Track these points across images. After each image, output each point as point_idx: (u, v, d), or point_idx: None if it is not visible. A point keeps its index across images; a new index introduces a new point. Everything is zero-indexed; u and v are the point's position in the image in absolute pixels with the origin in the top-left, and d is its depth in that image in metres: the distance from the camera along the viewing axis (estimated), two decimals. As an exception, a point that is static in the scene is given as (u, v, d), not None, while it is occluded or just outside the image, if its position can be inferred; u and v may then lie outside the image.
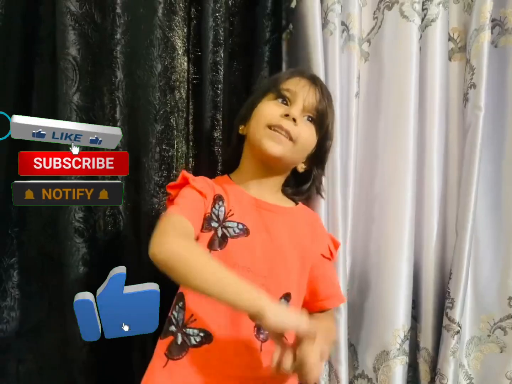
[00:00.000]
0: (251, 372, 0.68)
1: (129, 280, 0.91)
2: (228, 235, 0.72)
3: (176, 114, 0.93)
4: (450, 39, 1.03)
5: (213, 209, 0.74)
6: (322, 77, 0.90)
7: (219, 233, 0.72)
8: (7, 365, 0.92)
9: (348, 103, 0.99)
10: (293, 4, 0.96)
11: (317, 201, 0.90)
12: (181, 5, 0.93)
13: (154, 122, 0.90)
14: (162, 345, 0.70)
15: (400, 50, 0.98)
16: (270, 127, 0.74)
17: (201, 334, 0.68)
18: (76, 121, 0.86)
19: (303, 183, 0.84)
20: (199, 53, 0.95)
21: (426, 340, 0.97)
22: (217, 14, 0.92)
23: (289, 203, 0.83)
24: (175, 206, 0.71)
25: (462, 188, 0.95)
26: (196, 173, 0.94)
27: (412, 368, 1.00)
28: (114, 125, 0.92)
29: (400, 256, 0.95)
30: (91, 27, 0.87)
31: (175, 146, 0.94)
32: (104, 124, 0.90)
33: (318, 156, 0.82)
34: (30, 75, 0.93)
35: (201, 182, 0.76)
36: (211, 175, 0.88)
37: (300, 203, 0.85)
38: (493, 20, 0.98)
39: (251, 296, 0.58)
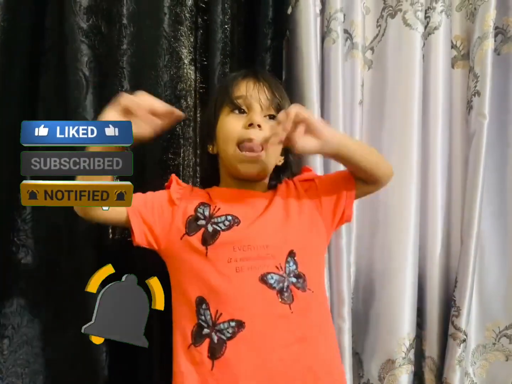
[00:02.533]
0: (293, 335, 0.69)
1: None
2: (219, 229, 0.73)
3: (182, 123, 0.94)
4: (453, 46, 1.04)
5: (198, 210, 0.75)
6: (318, 86, 0.92)
7: (210, 229, 0.73)
8: (14, 371, 0.93)
9: (352, 110, 0.99)
10: (289, 11, 0.96)
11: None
12: (186, 15, 0.95)
13: (160, 131, 0.91)
14: (198, 352, 0.70)
15: (403, 58, 0.99)
16: (239, 144, 0.74)
17: (232, 325, 0.69)
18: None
19: (281, 171, 0.84)
20: (205, 62, 0.96)
21: (431, 348, 0.97)
22: (226, 26, 0.93)
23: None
24: (135, 194, 0.73)
25: (467, 195, 0.95)
26: (202, 182, 0.95)
27: (418, 377, 0.99)
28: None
29: (405, 264, 0.95)
30: (98, 39, 0.89)
31: (182, 154, 0.95)
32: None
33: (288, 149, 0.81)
34: (35, 85, 0.94)
35: (180, 189, 0.78)
36: (218, 183, 0.90)
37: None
38: (496, 28, 0.98)
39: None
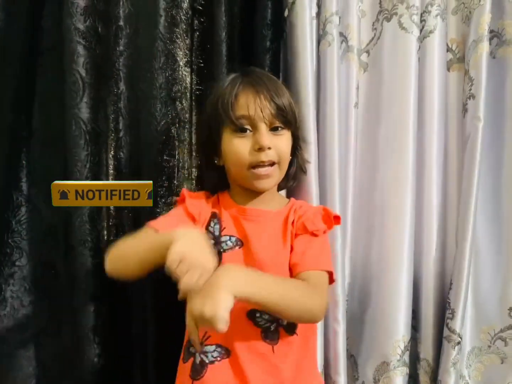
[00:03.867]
0: (270, 376, 0.69)
1: (135, 287, 0.92)
2: (221, 250, 0.73)
3: (177, 125, 0.94)
4: (448, 50, 1.04)
5: (209, 227, 0.75)
6: (314, 89, 0.92)
7: (215, 249, 0.72)
8: (8, 375, 0.92)
9: (347, 113, 0.99)
10: (285, 13, 0.97)
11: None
12: (182, 17, 0.95)
13: (156, 133, 0.91)
14: (184, 369, 0.72)
15: (399, 61, 0.99)
16: (251, 167, 0.73)
17: (218, 350, 0.70)
18: (80, 132, 0.87)
19: (289, 168, 0.82)
20: (202, 64, 0.96)
21: (426, 351, 0.97)
22: (228, 28, 0.93)
23: (283, 201, 0.82)
24: (152, 221, 0.74)
25: (462, 198, 0.95)
26: (198, 184, 0.96)
27: (413, 379, 1.00)
28: (117, 135, 0.93)
29: (400, 267, 0.95)
30: (94, 40, 0.89)
31: (177, 156, 0.95)
32: (107, 135, 0.91)
33: (295, 141, 0.81)
34: (32, 86, 0.94)
35: (195, 202, 0.78)
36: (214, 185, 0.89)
37: (292, 199, 0.83)
38: (491, 31, 0.99)
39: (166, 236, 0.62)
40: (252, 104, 0.72)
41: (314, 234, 0.74)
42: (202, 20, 0.96)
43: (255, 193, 0.78)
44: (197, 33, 0.96)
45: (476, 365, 1.00)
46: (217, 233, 0.74)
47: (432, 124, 1.00)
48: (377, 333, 0.96)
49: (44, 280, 0.93)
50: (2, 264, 0.92)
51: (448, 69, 1.04)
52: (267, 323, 0.70)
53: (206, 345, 0.70)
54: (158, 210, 0.92)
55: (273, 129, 0.74)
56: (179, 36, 0.94)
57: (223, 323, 0.55)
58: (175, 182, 0.95)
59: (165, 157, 0.93)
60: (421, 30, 1.00)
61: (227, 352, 0.69)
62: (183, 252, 0.57)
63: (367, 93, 1.04)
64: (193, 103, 0.96)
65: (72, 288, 0.88)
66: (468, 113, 0.96)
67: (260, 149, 0.72)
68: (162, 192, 0.93)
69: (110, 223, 0.92)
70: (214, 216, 0.77)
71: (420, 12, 0.99)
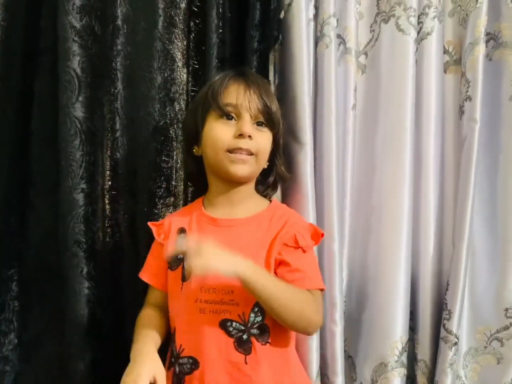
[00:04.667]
0: None
1: (127, 291, 0.92)
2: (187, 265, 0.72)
3: (175, 126, 0.94)
4: (445, 52, 1.04)
5: (176, 243, 0.76)
6: (310, 89, 0.92)
7: (185, 265, 0.73)
8: (5, 378, 0.92)
9: (344, 115, 1.00)
10: (282, 15, 0.97)
11: (316, 212, 0.91)
12: (180, 18, 0.95)
13: (154, 133, 0.91)
14: (168, 377, 0.73)
15: (396, 63, 0.99)
16: (229, 151, 0.74)
17: (190, 361, 0.71)
18: (75, 131, 0.86)
19: (267, 176, 0.84)
20: (197, 66, 0.96)
21: (423, 351, 0.97)
22: (220, 31, 0.93)
23: (263, 204, 0.81)
24: (141, 273, 0.83)
25: (458, 199, 0.96)
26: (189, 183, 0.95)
27: (410, 380, 1.00)
28: (113, 136, 0.92)
29: (398, 268, 0.95)
30: (91, 39, 0.88)
31: (175, 157, 0.95)
32: (103, 134, 0.91)
33: (275, 147, 0.81)
34: (31, 86, 0.94)
35: (159, 229, 0.81)
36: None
37: (273, 201, 0.83)
38: (487, 34, 0.99)
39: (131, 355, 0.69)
40: (241, 95, 0.74)
41: (303, 250, 0.74)
42: (197, 21, 0.96)
43: (230, 196, 0.78)
44: (193, 34, 0.96)
45: (472, 365, 1.00)
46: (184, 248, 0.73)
47: (429, 125, 1.00)
48: (375, 334, 0.96)
49: (43, 283, 0.93)
50: (1, 267, 0.91)
51: (445, 71, 1.04)
52: (239, 333, 0.70)
53: (180, 357, 0.73)
54: (155, 211, 0.92)
55: (257, 124, 0.76)
56: (177, 36, 0.94)
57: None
58: (173, 183, 0.94)
59: (163, 158, 0.93)
60: (418, 32, 1.00)
61: (197, 364, 0.71)
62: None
63: (365, 95, 1.04)
64: (189, 105, 0.97)
65: (70, 290, 0.87)
66: (465, 115, 0.97)
67: (241, 135, 0.73)
68: (160, 193, 0.93)
69: (106, 224, 0.92)
70: (181, 231, 0.78)
71: (417, 14, 1.00)
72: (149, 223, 0.82)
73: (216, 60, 0.93)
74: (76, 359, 0.86)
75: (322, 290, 0.76)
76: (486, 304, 0.99)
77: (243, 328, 0.70)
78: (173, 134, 0.94)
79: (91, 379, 0.87)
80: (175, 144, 0.95)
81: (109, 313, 0.89)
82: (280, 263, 0.73)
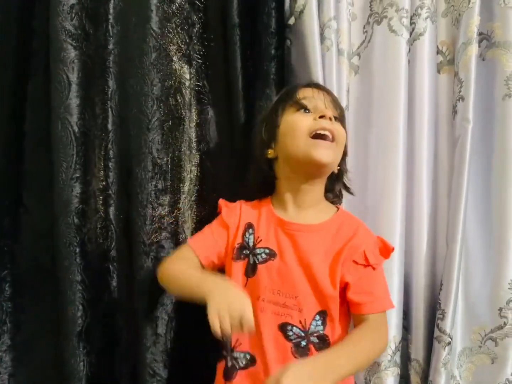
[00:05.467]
0: None
1: (122, 291, 0.92)
2: (257, 261, 0.74)
3: (171, 122, 0.93)
4: (438, 52, 1.04)
5: (244, 237, 0.77)
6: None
7: (251, 260, 0.74)
8: (-2, 379, 0.92)
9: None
10: (291, 21, 0.98)
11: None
12: (175, 11, 0.94)
13: (147, 130, 0.90)
14: (219, 368, 0.75)
15: (389, 64, 1.00)
16: (312, 134, 0.73)
17: (247, 357, 0.72)
18: (68, 132, 0.86)
19: (335, 183, 0.84)
20: (200, 61, 0.96)
21: (417, 351, 0.97)
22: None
23: (330, 211, 0.81)
24: (190, 239, 0.83)
25: (451, 200, 0.96)
26: (198, 182, 0.96)
27: (404, 380, 1.00)
28: (106, 135, 0.92)
29: (391, 267, 0.95)
30: (83, 38, 0.88)
31: (170, 155, 0.94)
32: (96, 134, 0.90)
33: (343, 154, 0.82)
34: (24, 87, 0.94)
35: (231, 212, 0.81)
36: (215, 182, 0.94)
37: (341, 209, 0.84)
38: (480, 34, 0.99)
39: (202, 284, 0.67)
40: (316, 94, 0.77)
41: (373, 267, 0.73)
42: (200, 15, 0.96)
43: (300, 198, 0.77)
44: (195, 28, 0.96)
45: (467, 365, 1.00)
46: (251, 244, 0.76)
47: (422, 126, 1.00)
48: (369, 334, 0.96)
49: (37, 284, 0.93)
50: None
51: (439, 72, 1.05)
52: (298, 338, 0.70)
53: (236, 351, 0.73)
54: (150, 211, 0.91)
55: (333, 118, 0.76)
56: (171, 30, 0.93)
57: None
58: (168, 181, 0.94)
59: (157, 156, 0.91)
60: (411, 33, 1.01)
61: (254, 360, 0.71)
62: (219, 310, 0.60)
63: (358, 95, 1.04)
64: (193, 99, 0.96)
65: (64, 291, 0.87)
66: (458, 115, 0.97)
67: (323, 116, 0.73)
68: (154, 192, 0.91)
69: (99, 225, 0.91)
70: (249, 226, 0.78)
71: (410, 15, 1.00)
72: (221, 200, 0.83)
73: (222, 57, 0.94)
74: (70, 360, 0.85)
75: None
76: (480, 304, 0.99)
77: (303, 334, 0.70)
78: (168, 131, 0.93)
79: (84, 380, 0.87)
80: (170, 141, 0.93)
81: (102, 314, 0.89)
82: (347, 283, 0.72)
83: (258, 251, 0.75)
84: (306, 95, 0.77)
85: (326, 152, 0.73)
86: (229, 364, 0.73)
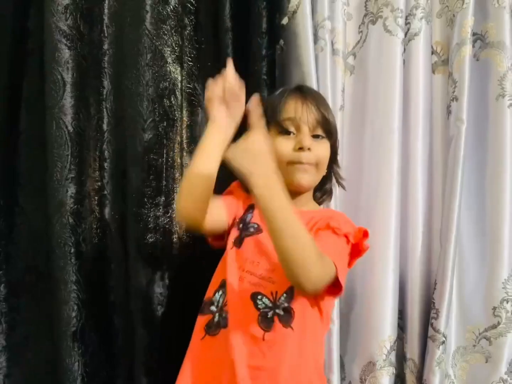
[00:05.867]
0: (254, 360, 0.70)
1: (117, 292, 0.92)
2: (245, 234, 0.78)
3: (165, 123, 0.93)
4: (433, 52, 1.05)
5: (245, 214, 0.81)
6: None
7: (242, 234, 0.78)
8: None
9: (333, 116, 1.00)
10: (284, 21, 0.98)
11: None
12: (170, 13, 0.94)
13: (142, 131, 0.90)
14: (201, 321, 0.77)
15: (384, 64, 1.00)
16: (290, 164, 0.77)
17: (225, 317, 0.74)
18: (63, 132, 0.86)
19: (325, 183, 0.86)
20: (191, 63, 0.96)
21: (412, 350, 0.98)
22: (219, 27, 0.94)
23: (314, 208, 0.84)
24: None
25: (445, 199, 0.96)
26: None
27: (399, 379, 1.00)
28: (101, 135, 0.92)
29: (386, 267, 0.96)
30: (77, 39, 0.88)
31: (164, 155, 0.94)
32: (91, 134, 0.90)
33: (332, 155, 0.84)
34: (19, 87, 0.94)
35: (240, 192, 0.83)
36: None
37: (322, 207, 0.87)
38: (474, 34, 1.00)
39: None
40: (299, 108, 0.78)
41: (334, 232, 0.74)
42: (191, 17, 0.96)
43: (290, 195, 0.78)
44: (187, 30, 0.96)
45: (461, 364, 1.00)
46: (247, 220, 0.80)
47: (417, 126, 1.01)
48: (364, 333, 0.96)
49: (32, 284, 0.93)
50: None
51: (433, 72, 1.05)
52: (265, 308, 0.72)
53: (224, 310, 0.74)
54: (145, 211, 0.92)
55: (315, 136, 0.79)
56: (166, 32, 0.93)
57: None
58: (163, 182, 0.94)
59: (152, 156, 0.92)
60: (406, 33, 1.01)
61: (226, 323, 0.73)
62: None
63: (353, 95, 1.05)
64: (184, 101, 0.96)
65: (59, 292, 0.87)
66: (452, 115, 0.97)
67: (301, 148, 0.76)
68: (149, 193, 0.92)
69: (94, 225, 0.91)
70: (251, 207, 0.81)
71: (405, 15, 1.00)
72: (236, 182, 0.85)
73: (214, 59, 0.94)
74: (65, 360, 0.85)
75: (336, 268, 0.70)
76: (474, 303, 1.00)
77: (270, 305, 0.72)
78: (163, 132, 0.93)
79: (79, 380, 0.87)
80: (165, 142, 0.94)
81: (97, 314, 0.89)
82: None
83: (249, 225, 0.79)
84: (289, 114, 0.78)
85: (305, 176, 0.78)
86: (216, 319, 0.75)
